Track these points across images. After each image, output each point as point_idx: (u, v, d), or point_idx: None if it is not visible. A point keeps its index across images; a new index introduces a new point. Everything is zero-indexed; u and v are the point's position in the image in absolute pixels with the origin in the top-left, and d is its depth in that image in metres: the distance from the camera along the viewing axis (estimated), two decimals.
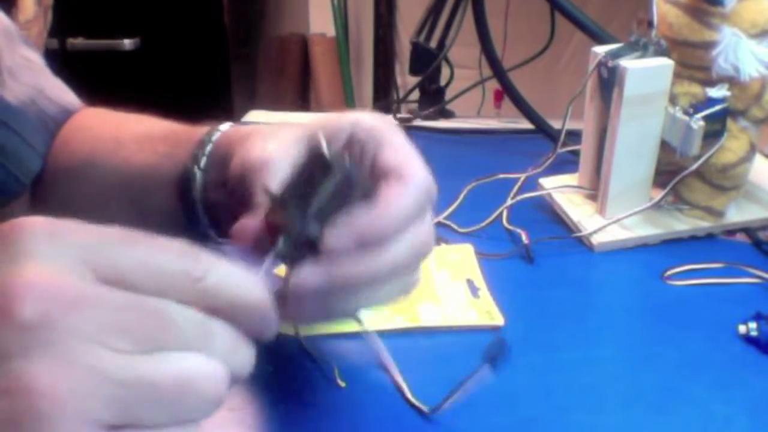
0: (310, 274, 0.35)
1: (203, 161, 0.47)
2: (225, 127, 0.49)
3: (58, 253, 0.26)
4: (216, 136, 0.48)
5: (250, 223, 0.37)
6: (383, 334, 0.50)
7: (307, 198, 0.35)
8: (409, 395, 0.44)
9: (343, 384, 0.45)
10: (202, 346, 0.27)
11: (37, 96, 0.59)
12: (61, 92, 0.62)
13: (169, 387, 0.26)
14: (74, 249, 0.26)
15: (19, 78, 0.58)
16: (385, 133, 0.39)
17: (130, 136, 0.54)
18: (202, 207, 0.49)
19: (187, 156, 0.48)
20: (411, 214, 0.37)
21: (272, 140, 0.40)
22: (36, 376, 0.24)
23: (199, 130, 0.49)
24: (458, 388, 0.42)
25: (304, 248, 0.35)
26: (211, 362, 0.27)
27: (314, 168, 0.35)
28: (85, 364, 0.24)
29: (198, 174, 0.47)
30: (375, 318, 0.51)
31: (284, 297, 0.35)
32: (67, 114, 0.61)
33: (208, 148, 0.47)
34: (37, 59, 0.61)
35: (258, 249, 0.35)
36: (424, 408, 0.43)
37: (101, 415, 0.24)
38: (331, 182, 0.35)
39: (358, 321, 0.43)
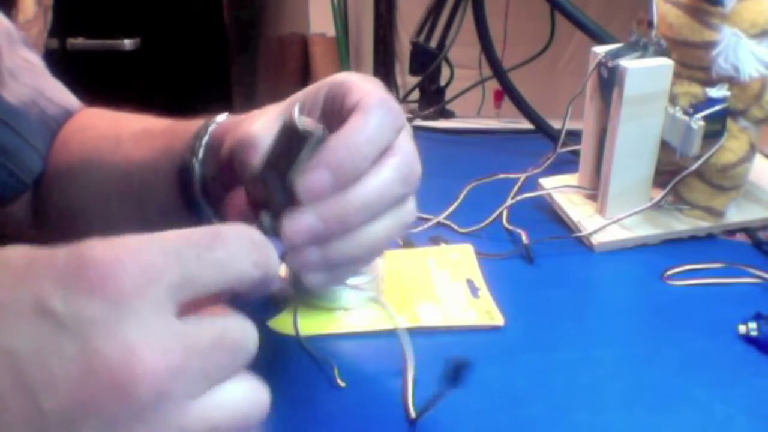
0: (300, 217, 0.35)
1: (200, 153, 0.47)
2: (221, 118, 0.49)
3: (152, 302, 0.26)
4: (212, 128, 0.48)
5: (237, 198, 0.37)
6: (383, 334, 0.50)
7: (284, 169, 0.35)
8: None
9: (343, 384, 0.45)
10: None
11: (37, 97, 0.59)
12: (61, 94, 0.62)
13: (229, 428, 0.28)
14: (162, 287, 0.27)
15: (19, 79, 0.58)
16: (352, 84, 0.39)
17: (129, 133, 0.55)
18: (204, 199, 0.49)
19: (184, 149, 0.48)
20: (375, 135, 0.36)
21: (258, 119, 0.40)
22: None
23: (195, 123, 0.49)
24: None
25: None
26: (263, 390, 0.29)
27: (288, 138, 0.35)
28: (175, 428, 0.26)
29: (196, 166, 0.47)
30: (375, 318, 0.51)
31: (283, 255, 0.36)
32: (67, 115, 0.61)
33: (205, 139, 0.47)
34: (37, 61, 0.61)
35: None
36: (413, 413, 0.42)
37: None
38: (305, 149, 0.35)
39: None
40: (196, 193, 0.48)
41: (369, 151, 0.36)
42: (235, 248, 0.29)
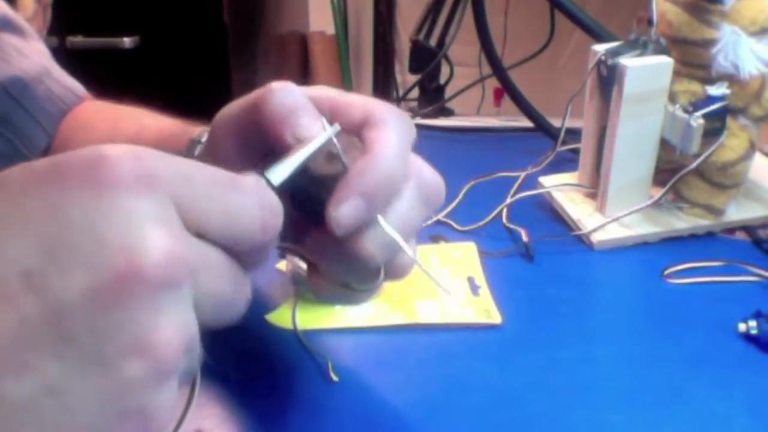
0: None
1: (197, 150, 0.47)
2: None
3: (154, 206, 0.25)
4: (205, 137, 0.48)
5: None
6: (381, 330, 0.50)
7: (316, 184, 0.34)
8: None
9: (335, 378, 0.45)
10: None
11: (45, 75, 0.59)
12: (68, 78, 0.62)
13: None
14: (165, 196, 0.26)
15: (27, 56, 0.58)
16: (349, 97, 0.37)
17: (123, 137, 0.55)
18: None
19: (179, 147, 0.48)
20: (401, 151, 0.35)
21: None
22: (163, 332, 0.24)
23: (190, 130, 0.49)
24: None
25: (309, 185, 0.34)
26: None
27: (325, 162, 0.34)
28: (185, 321, 0.25)
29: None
30: (374, 314, 0.51)
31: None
32: (75, 98, 0.61)
33: (198, 149, 0.47)
34: (45, 49, 0.62)
35: None
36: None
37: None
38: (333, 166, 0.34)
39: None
40: None
41: (398, 172, 0.34)
42: (249, 201, 0.28)
